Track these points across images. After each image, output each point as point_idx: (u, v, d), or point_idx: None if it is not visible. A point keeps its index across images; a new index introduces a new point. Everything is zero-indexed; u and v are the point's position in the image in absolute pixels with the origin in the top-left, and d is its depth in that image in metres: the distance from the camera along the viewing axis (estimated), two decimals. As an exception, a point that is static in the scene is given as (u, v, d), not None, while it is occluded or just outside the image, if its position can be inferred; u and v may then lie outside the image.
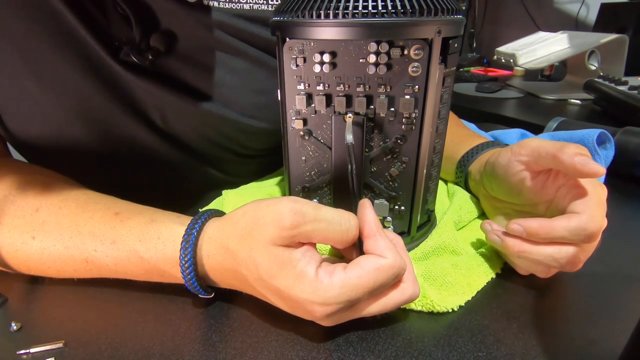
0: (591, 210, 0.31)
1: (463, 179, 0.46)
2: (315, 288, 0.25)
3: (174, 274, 0.30)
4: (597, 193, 0.32)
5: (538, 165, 0.34)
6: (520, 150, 0.35)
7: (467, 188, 0.45)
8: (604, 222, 0.31)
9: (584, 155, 0.31)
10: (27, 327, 0.30)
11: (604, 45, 0.94)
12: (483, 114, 0.90)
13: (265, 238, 0.26)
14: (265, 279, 0.26)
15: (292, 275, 0.26)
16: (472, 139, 0.48)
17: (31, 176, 0.36)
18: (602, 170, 0.30)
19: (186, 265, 0.29)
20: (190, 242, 0.29)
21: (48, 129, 0.40)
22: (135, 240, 0.31)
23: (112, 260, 0.31)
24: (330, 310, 0.26)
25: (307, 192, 0.37)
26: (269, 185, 0.48)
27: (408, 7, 0.29)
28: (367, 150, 0.34)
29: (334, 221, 0.27)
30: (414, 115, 0.32)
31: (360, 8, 0.29)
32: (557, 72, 1.23)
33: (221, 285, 0.31)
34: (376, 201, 0.36)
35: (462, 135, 0.50)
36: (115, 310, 0.32)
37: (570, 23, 1.37)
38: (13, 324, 0.30)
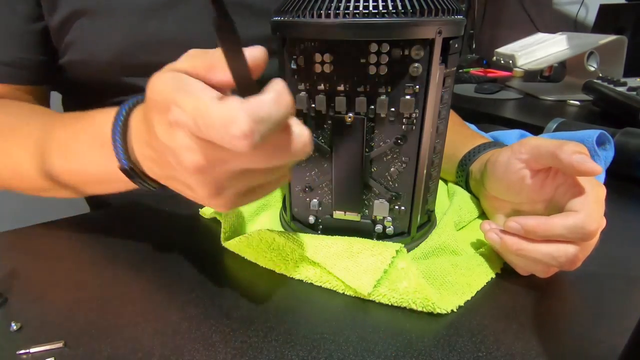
0: (589, 209, 0.31)
1: (464, 179, 0.46)
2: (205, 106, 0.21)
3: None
4: (595, 192, 0.32)
5: (537, 164, 0.34)
6: (520, 149, 0.35)
7: (467, 188, 0.46)
8: (602, 221, 0.31)
9: (582, 153, 0.31)
10: (27, 327, 0.30)
11: (603, 46, 0.94)
12: (482, 115, 0.91)
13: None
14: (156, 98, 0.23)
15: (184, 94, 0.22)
16: (473, 139, 0.48)
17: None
18: (599, 168, 0.30)
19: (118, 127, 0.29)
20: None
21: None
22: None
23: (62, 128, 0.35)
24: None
25: (308, 192, 0.37)
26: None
27: (409, 7, 0.29)
28: (367, 150, 0.34)
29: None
30: (414, 115, 0.32)
31: (361, 8, 0.29)
32: (556, 73, 1.23)
33: (139, 156, 0.28)
34: (376, 201, 0.36)
35: (464, 135, 0.50)
36: (115, 310, 0.32)
37: (569, 24, 1.37)
38: (13, 324, 0.30)
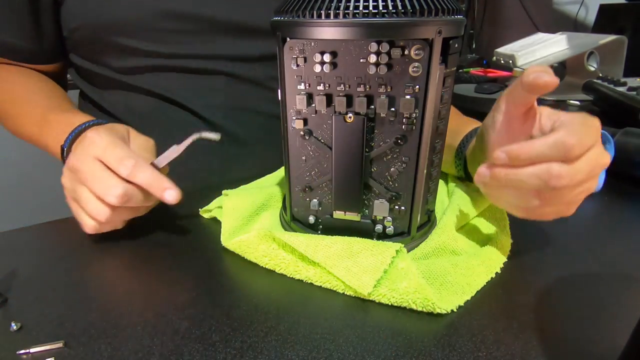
0: (571, 128, 0.30)
1: (462, 166, 0.46)
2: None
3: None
4: (582, 117, 0.32)
5: (516, 105, 0.34)
6: (497, 102, 0.35)
7: (467, 175, 0.45)
8: (586, 140, 0.30)
9: (539, 71, 0.31)
10: (27, 327, 0.30)
11: (602, 46, 0.94)
12: (482, 115, 0.90)
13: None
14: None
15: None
16: (467, 125, 0.48)
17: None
18: (555, 79, 0.31)
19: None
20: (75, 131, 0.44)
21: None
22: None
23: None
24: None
25: (308, 192, 0.38)
26: (270, 185, 0.48)
27: (409, 7, 0.29)
28: (367, 150, 0.34)
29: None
30: (414, 115, 0.32)
31: (360, 8, 0.29)
32: (556, 73, 1.22)
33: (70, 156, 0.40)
34: (376, 201, 0.36)
35: (458, 124, 0.50)
36: (115, 310, 0.32)
37: (569, 24, 1.37)
38: (13, 324, 0.30)
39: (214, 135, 0.38)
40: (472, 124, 0.48)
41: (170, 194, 0.37)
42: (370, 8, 0.29)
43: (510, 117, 0.34)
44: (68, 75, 0.66)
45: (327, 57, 0.31)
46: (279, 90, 0.35)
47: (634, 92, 0.76)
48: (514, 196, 0.34)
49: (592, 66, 1.00)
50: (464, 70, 1.41)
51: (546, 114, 0.34)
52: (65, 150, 0.44)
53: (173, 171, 0.46)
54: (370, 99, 0.32)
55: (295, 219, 0.40)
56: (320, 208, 0.38)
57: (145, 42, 0.53)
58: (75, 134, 0.44)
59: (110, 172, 0.37)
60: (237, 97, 0.57)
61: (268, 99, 0.58)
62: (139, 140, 0.43)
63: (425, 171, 0.34)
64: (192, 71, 0.55)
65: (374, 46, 0.30)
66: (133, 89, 0.56)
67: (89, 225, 0.38)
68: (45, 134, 0.50)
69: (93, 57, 0.57)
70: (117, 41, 0.53)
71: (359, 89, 0.32)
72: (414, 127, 0.32)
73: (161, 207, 0.48)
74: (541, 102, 1.00)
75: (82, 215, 0.39)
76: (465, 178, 0.46)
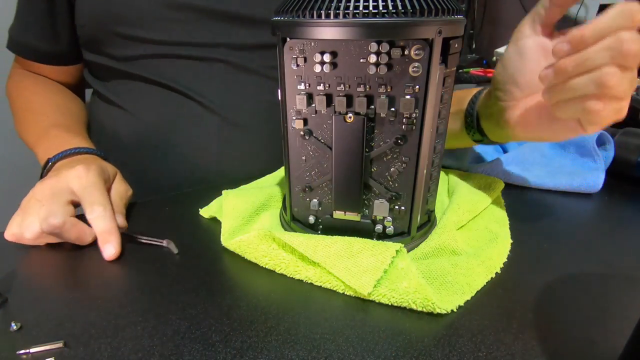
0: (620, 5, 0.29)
1: (474, 124, 0.45)
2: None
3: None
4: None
5: (545, 24, 0.34)
6: (520, 30, 0.36)
7: (479, 131, 0.45)
8: None
9: None
10: (27, 327, 0.30)
11: (603, 46, 0.94)
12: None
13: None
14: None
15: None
16: (469, 92, 0.48)
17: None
18: None
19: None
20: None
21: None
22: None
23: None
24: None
25: (308, 192, 0.38)
26: (269, 186, 0.48)
27: (409, 7, 0.29)
28: (367, 150, 0.34)
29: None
30: (414, 115, 0.32)
31: (360, 8, 0.29)
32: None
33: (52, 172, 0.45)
34: (376, 201, 0.36)
35: (459, 95, 0.50)
36: (115, 310, 0.32)
37: (569, 24, 1.37)
38: (13, 324, 0.30)
39: (174, 249, 0.39)
40: (474, 90, 0.47)
41: (109, 250, 0.38)
42: (370, 8, 0.29)
43: (538, 41, 0.34)
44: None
45: (327, 57, 0.31)
46: (279, 90, 0.35)
47: (634, 93, 0.76)
48: (578, 102, 0.32)
49: (592, 66, 1.00)
50: (464, 70, 1.41)
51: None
52: (50, 165, 0.46)
53: (173, 152, 0.53)
54: (370, 99, 0.32)
55: (295, 219, 0.40)
56: (320, 208, 0.38)
57: (147, 31, 0.54)
58: (68, 154, 0.46)
59: (66, 205, 0.39)
60: (236, 84, 0.57)
61: (267, 87, 0.58)
62: (120, 187, 0.45)
63: (425, 171, 0.34)
64: (193, 58, 0.56)
65: (374, 46, 0.30)
66: (135, 78, 0.58)
67: (12, 233, 0.39)
68: (40, 144, 0.52)
69: (98, 48, 0.58)
70: (121, 31, 0.54)
71: (359, 89, 0.32)
72: (414, 127, 0.32)
73: (161, 207, 0.48)
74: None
75: (16, 220, 0.39)
76: (481, 139, 0.45)
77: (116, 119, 0.61)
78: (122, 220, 0.42)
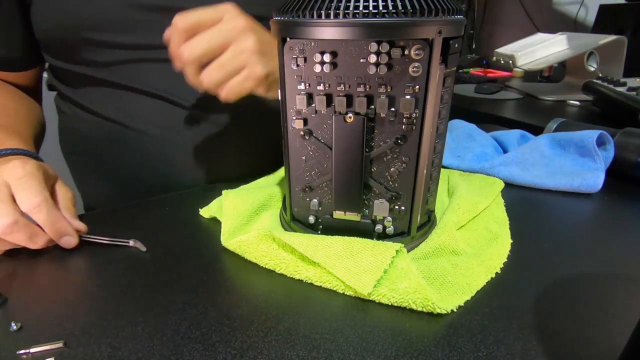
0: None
1: None
2: None
3: None
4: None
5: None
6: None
7: None
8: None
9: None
10: (27, 327, 0.30)
11: (602, 46, 0.94)
12: (482, 115, 0.91)
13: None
14: None
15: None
16: None
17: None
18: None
19: None
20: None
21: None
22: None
23: None
24: None
25: (308, 192, 0.38)
26: (269, 186, 0.48)
27: (409, 7, 0.29)
28: (367, 150, 0.34)
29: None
30: (414, 115, 0.32)
31: (360, 8, 0.29)
32: (556, 73, 1.23)
33: None
34: (376, 201, 0.36)
35: None
36: (115, 310, 0.32)
37: (569, 24, 1.37)
38: (13, 324, 0.30)
39: (141, 247, 0.39)
40: None
41: (67, 240, 0.38)
42: (370, 8, 0.29)
43: None
44: (44, 74, 0.65)
45: (327, 57, 0.31)
46: (279, 91, 0.35)
47: (634, 92, 0.76)
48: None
49: (592, 66, 1.00)
50: (464, 70, 1.41)
51: None
52: None
53: (156, 156, 0.51)
54: (370, 99, 0.32)
55: (295, 219, 0.40)
56: (320, 208, 0.38)
57: (115, 35, 0.52)
58: (2, 155, 0.43)
59: (10, 202, 0.36)
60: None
61: None
62: (66, 190, 0.43)
63: (425, 171, 0.34)
64: (169, 61, 0.55)
65: (374, 46, 0.30)
66: (109, 85, 0.56)
67: None
68: None
69: (67, 55, 0.56)
70: (87, 37, 0.52)
71: (359, 89, 0.32)
72: (414, 127, 0.32)
73: (161, 208, 0.48)
74: (540, 102, 1.01)
75: None
76: None
77: (89, 123, 0.59)
78: (80, 224, 0.40)
